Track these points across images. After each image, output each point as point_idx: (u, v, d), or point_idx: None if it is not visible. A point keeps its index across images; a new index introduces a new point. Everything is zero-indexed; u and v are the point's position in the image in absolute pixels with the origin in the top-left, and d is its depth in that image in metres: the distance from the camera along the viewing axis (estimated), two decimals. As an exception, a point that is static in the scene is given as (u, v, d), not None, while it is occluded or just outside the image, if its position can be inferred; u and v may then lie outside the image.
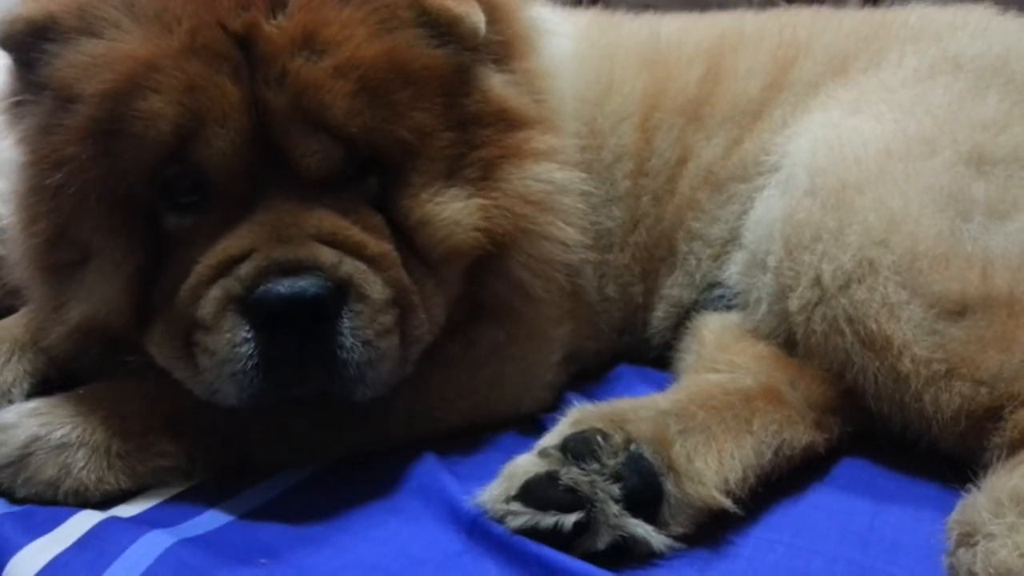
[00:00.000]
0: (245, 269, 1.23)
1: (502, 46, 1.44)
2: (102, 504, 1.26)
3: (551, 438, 1.21)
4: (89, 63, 1.27)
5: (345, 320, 1.24)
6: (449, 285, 1.39)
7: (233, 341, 1.22)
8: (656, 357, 1.73)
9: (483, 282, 1.43)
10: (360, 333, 1.24)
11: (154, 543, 1.15)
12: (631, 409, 1.25)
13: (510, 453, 1.27)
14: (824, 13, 1.91)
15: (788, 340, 1.46)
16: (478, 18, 1.36)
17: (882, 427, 1.37)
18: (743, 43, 1.78)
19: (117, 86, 1.25)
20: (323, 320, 1.23)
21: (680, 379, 1.53)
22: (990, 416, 1.24)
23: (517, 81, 1.45)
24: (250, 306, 1.22)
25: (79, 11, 1.29)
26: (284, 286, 1.20)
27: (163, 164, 1.27)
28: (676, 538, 1.17)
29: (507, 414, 1.49)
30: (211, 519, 1.25)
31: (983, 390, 1.24)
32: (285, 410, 1.33)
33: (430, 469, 1.33)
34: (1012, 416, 1.22)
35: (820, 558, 1.18)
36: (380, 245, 1.30)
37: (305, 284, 1.21)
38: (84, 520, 1.20)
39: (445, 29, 1.34)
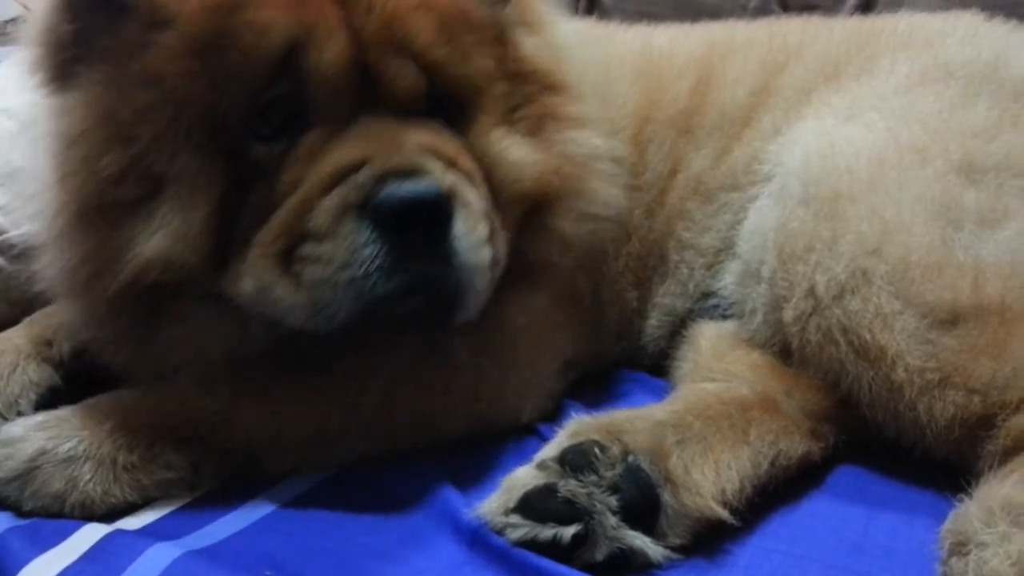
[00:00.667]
0: (363, 175, 1.26)
1: (525, 14, 1.53)
2: (108, 516, 1.27)
3: (549, 450, 1.23)
4: None
5: (456, 224, 1.28)
6: (506, 230, 1.42)
7: (354, 245, 1.24)
8: (654, 364, 1.74)
9: (525, 238, 1.47)
10: (468, 237, 1.29)
11: (160, 555, 1.16)
12: (628, 420, 1.27)
13: (511, 462, 1.30)
14: (814, 21, 1.93)
15: (783, 349, 1.47)
16: None
17: (877, 435, 1.38)
18: (732, 51, 1.80)
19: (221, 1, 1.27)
20: (441, 222, 1.27)
21: (677, 388, 1.54)
22: (983, 424, 1.25)
23: (543, 47, 1.54)
24: (373, 209, 1.24)
25: None
26: (409, 186, 1.24)
27: (267, 81, 1.29)
28: (674, 549, 1.18)
29: (509, 423, 1.50)
30: (216, 531, 1.26)
31: (976, 398, 1.25)
32: (291, 416, 1.35)
33: (431, 480, 1.34)
34: (1005, 424, 1.23)
35: (816, 566, 1.19)
36: (469, 162, 1.38)
37: (427, 185, 1.25)
38: (91, 533, 1.21)
39: None
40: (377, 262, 1.24)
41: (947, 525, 1.12)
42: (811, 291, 1.39)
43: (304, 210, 1.27)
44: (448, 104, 1.40)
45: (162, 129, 1.29)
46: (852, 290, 1.35)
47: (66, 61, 1.34)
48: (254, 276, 1.29)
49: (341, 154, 1.28)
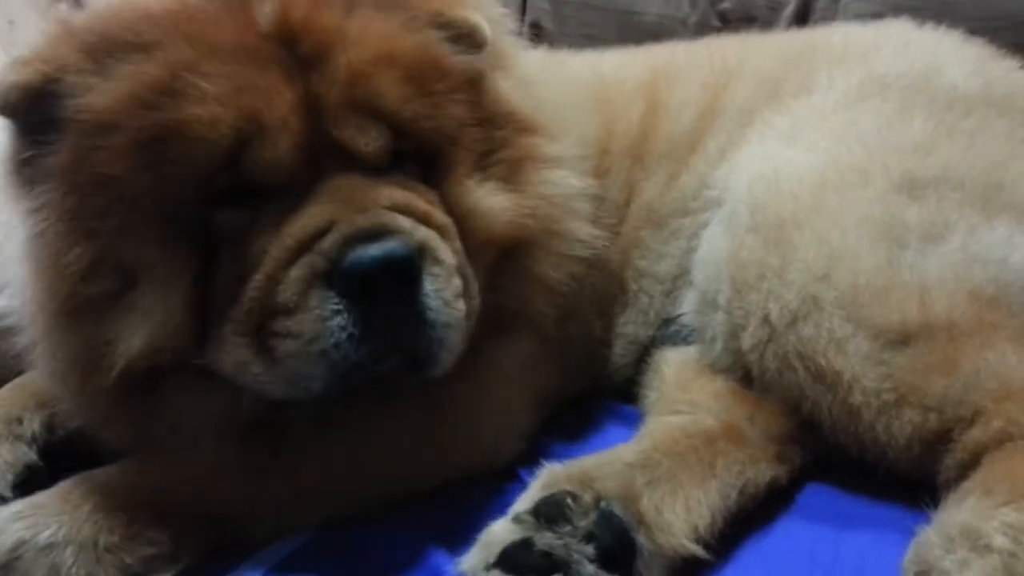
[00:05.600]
0: (328, 241, 1.24)
1: (498, 56, 1.52)
2: (92, 600, 1.27)
3: (523, 503, 1.24)
4: (121, 84, 1.27)
5: (427, 282, 1.27)
6: (479, 276, 1.42)
7: (322, 316, 1.22)
8: (622, 391, 1.76)
9: (505, 285, 1.47)
10: (441, 294, 1.28)
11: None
12: (597, 466, 1.28)
13: (493, 511, 1.30)
14: (751, 37, 1.96)
15: (745, 375, 1.50)
16: (486, 27, 1.45)
17: (841, 453, 1.40)
18: (675, 75, 1.82)
19: (159, 95, 1.26)
20: (411, 282, 1.26)
21: (645, 419, 1.57)
22: (941, 440, 1.28)
23: (517, 88, 1.53)
24: (341, 276, 1.22)
25: (84, 52, 1.30)
26: (376, 249, 1.22)
27: (217, 171, 1.27)
28: (652, 590, 1.20)
29: (486, 469, 1.51)
30: (201, 604, 1.27)
31: (932, 416, 1.28)
32: (271, 479, 1.36)
33: (413, 535, 1.35)
34: (961, 439, 1.26)
35: (791, 592, 1.23)
36: (442, 216, 1.36)
37: (394, 245, 1.23)
38: (76, 619, 1.21)
39: (462, 35, 1.43)
40: (346, 332, 1.23)
41: (909, 555, 1.14)
42: (765, 319, 1.41)
43: (271, 284, 1.26)
44: (418, 157, 1.39)
45: (122, 224, 1.29)
46: (804, 316, 1.37)
47: (26, 179, 1.35)
48: (230, 354, 1.29)
49: (305, 221, 1.27)
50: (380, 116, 1.32)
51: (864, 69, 1.69)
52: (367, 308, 1.23)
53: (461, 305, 1.32)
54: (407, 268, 1.25)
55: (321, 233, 1.26)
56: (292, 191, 1.30)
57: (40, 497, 1.35)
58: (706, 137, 1.73)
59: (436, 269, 1.29)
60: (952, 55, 1.72)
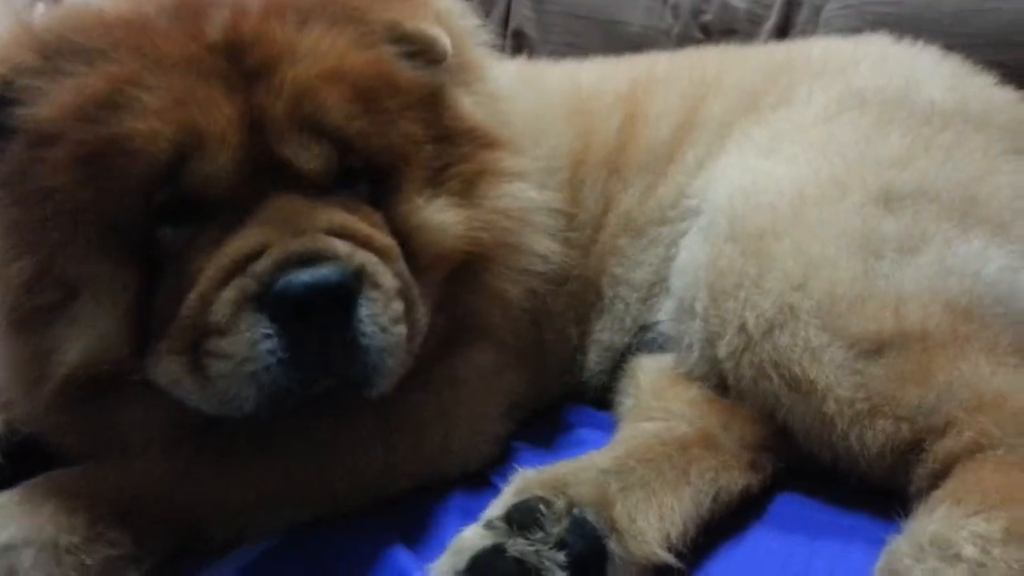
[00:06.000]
0: (261, 265, 1.23)
1: (463, 69, 1.50)
2: (50, 602, 1.24)
3: (495, 509, 1.23)
4: (65, 96, 1.26)
5: (363, 307, 1.25)
6: (430, 291, 1.41)
7: (253, 339, 1.21)
8: (598, 397, 1.76)
9: (463, 298, 1.46)
10: (377, 319, 1.26)
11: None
12: (571, 472, 1.28)
13: (464, 517, 1.31)
14: (731, 49, 1.97)
15: (721, 383, 1.50)
16: (447, 40, 1.42)
17: (813, 461, 1.41)
18: (654, 86, 1.83)
19: (101, 108, 1.25)
20: (345, 308, 1.24)
21: (620, 426, 1.56)
22: (913, 450, 1.29)
23: (482, 103, 1.51)
24: (271, 300, 1.21)
25: (39, 53, 1.30)
26: (307, 275, 1.21)
27: (158, 185, 1.26)
28: (623, 598, 1.19)
29: (456, 474, 1.50)
30: (163, 608, 1.25)
31: (904, 426, 1.29)
32: (232, 483, 1.35)
33: (383, 541, 1.34)
34: (933, 448, 1.27)
35: (763, 603, 1.22)
36: (385, 239, 1.34)
37: (327, 271, 1.22)
38: (34, 621, 1.19)
39: (420, 49, 1.40)
40: (277, 356, 1.21)
41: (880, 564, 1.14)
42: (742, 327, 1.42)
43: (204, 303, 1.25)
44: (368, 174, 1.37)
45: (64, 237, 1.29)
46: (780, 325, 1.37)
47: None
48: (165, 370, 1.29)
49: (240, 243, 1.26)
50: (324, 133, 1.31)
51: (843, 83, 1.71)
52: (299, 332, 1.22)
53: (400, 329, 1.30)
54: (341, 294, 1.23)
55: (255, 255, 1.24)
56: (234, 208, 1.29)
57: (0, 497, 1.33)
58: (684, 147, 1.73)
59: (374, 293, 1.27)
60: (930, 70, 1.74)
